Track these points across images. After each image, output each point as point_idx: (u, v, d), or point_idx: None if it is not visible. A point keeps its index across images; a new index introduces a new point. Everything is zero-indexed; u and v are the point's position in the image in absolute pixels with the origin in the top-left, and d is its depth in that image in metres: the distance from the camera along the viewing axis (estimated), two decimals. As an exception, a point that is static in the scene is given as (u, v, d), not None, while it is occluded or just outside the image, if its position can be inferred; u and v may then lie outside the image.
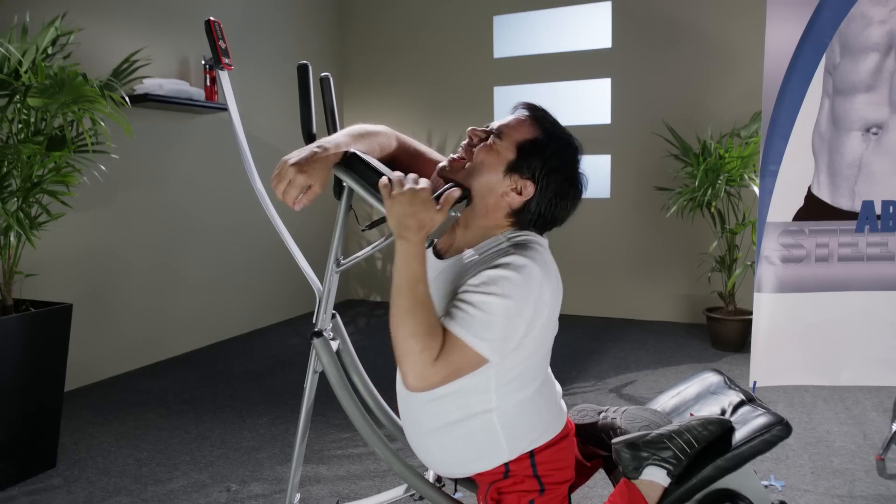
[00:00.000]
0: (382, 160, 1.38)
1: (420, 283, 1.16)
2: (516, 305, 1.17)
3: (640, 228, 4.82)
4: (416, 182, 1.19)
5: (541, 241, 1.29)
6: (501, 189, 1.27)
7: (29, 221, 2.44)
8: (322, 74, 1.49)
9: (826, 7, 2.30)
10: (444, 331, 1.16)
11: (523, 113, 1.31)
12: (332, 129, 1.38)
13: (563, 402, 1.41)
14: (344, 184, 1.34)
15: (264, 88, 4.69)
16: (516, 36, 5.18)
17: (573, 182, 1.31)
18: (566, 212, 1.33)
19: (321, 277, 1.46)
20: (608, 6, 4.81)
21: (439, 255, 1.35)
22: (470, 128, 1.32)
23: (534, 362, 1.29)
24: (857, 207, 2.38)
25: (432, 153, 1.53)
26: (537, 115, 1.31)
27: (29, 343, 2.38)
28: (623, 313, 4.93)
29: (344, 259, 1.42)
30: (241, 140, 1.57)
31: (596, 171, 4.97)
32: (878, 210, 2.35)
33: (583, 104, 4.98)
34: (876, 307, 2.37)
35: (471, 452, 1.30)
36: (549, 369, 1.40)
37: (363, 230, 1.42)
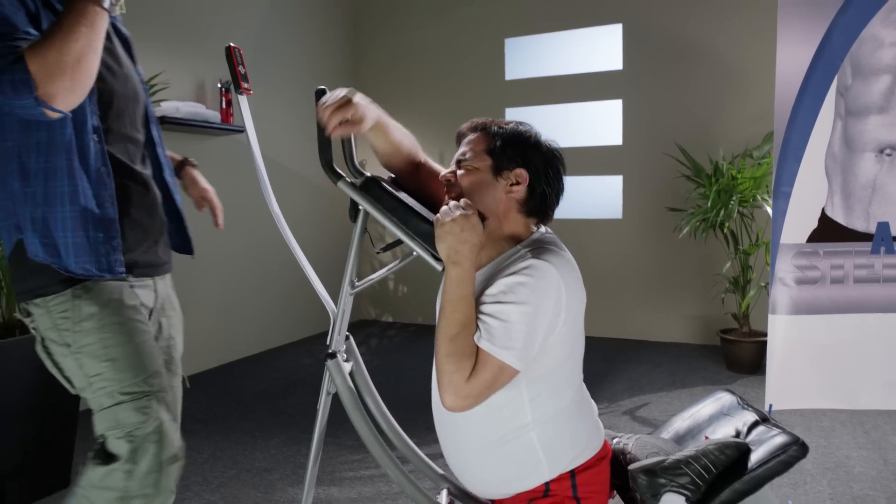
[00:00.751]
0: (403, 168, 1.45)
1: (469, 306, 1.21)
2: (533, 310, 1.19)
3: (653, 249, 4.80)
4: (465, 207, 1.23)
5: (558, 243, 1.34)
6: (502, 190, 1.32)
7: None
8: None
9: (837, 30, 2.31)
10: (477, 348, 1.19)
11: (470, 134, 1.38)
12: (348, 153, 1.40)
13: (600, 422, 1.42)
14: (360, 207, 1.36)
15: (279, 109, 4.75)
16: (528, 58, 5.22)
17: (549, 147, 1.37)
18: (562, 174, 1.38)
19: (335, 299, 1.47)
20: (619, 28, 4.85)
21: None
22: (441, 175, 1.38)
23: (563, 373, 1.31)
24: (872, 229, 2.36)
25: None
26: (479, 125, 1.38)
27: (43, 364, 2.40)
28: (636, 334, 4.90)
29: (358, 281, 1.43)
30: (258, 162, 1.59)
31: (608, 192, 4.97)
32: (893, 231, 2.33)
33: (594, 125, 5.00)
34: (893, 329, 2.34)
35: (511, 472, 1.31)
36: (584, 387, 1.41)
37: (378, 253, 1.43)
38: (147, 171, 1.52)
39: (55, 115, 1.22)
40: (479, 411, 1.24)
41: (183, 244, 1.67)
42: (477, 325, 1.20)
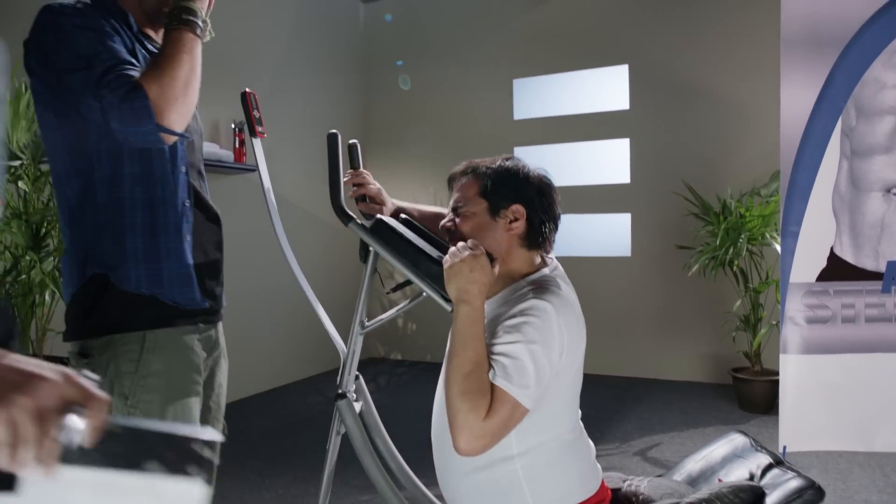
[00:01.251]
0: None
1: (481, 344, 1.21)
2: (541, 349, 1.21)
3: (663, 287, 4.79)
4: (473, 248, 1.25)
5: (558, 281, 1.34)
6: (502, 230, 1.34)
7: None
8: (350, 141, 1.54)
9: (839, 72, 2.35)
10: (492, 387, 1.18)
11: (461, 179, 1.40)
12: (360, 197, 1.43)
13: (598, 464, 1.39)
14: (370, 248, 1.38)
15: (291, 150, 4.83)
16: (535, 98, 5.31)
17: (539, 176, 1.40)
18: (556, 201, 1.41)
19: (345, 338, 1.48)
20: (625, 69, 4.93)
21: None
22: (441, 225, 1.41)
23: (554, 410, 1.29)
24: (882, 268, 2.36)
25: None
26: (468, 168, 1.40)
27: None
28: (647, 373, 4.86)
29: (368, 321, 1.44)
30: (271, 203, 1.63)
31: (616, 230, 4.99)
32: (903, 270, 2.33)
33: (602, 164, 5.04)
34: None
35: (496, 501, 1.28)
36: (581, 425, 1.39)
37: (388, 293, 1.44)
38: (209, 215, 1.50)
39: (172, 140, 1.25)
40: None
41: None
42: (490, 364, 1.20)
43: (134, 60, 1.26)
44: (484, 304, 1.23)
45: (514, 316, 1.23)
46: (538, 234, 1.36)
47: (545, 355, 1.21)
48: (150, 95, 1.18)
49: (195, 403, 1.35)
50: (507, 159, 1.40)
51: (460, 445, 1.15)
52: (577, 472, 1.32)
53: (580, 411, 1.39)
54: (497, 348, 1.21)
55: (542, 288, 1.29)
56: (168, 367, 1.30)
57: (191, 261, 1.35)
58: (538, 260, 1.39)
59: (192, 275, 1.34)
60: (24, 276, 2.47)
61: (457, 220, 1.37)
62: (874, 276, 2.35)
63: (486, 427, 1.14)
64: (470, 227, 1.35)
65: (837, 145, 2.40)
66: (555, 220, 1.39)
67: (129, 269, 1.29)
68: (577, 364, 1.33)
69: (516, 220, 1.34)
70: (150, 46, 1.37)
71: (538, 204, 1.36)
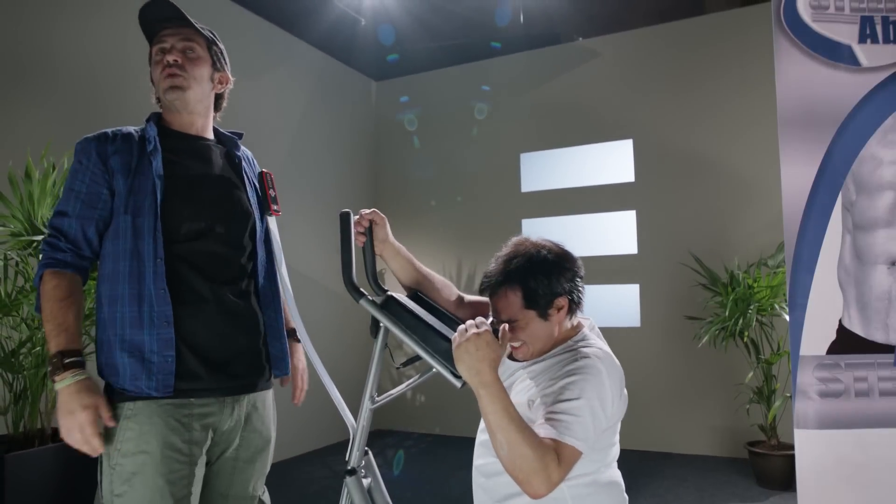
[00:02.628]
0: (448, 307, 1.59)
1: (511, 409, 1.28)
2: (598, 403, 1.34)
3: (673, 357, 4.75)
4: (478, 326, 1.30)
5: (599, 341, 1.52)
6: (554, 322, 1.46)
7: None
8: (356, 218, 1.59)
9: (836, 149, 2.40)
10: (553, 441, 1.28)
11: (498, 294, 1.47)
12: (370, 271, 1.47)
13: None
14: (381, 324, 1.41)
15: (302, 224, 4.93)
16: (542, 171, 5.43)
17: (559, 257, 1.49)
18: (579, 265, 1.53)
19: (354, 412, 1.48)
20: (630, 143, 5.05)
21: (512, 356, 1.52)
22: (496, 325, 1.45)
23: (601, 445, 1.40)
24: (893, 340, 2.34)
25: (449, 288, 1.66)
26: (496, 282, 1.47)
27: (64, 473, 2.40)
28: (660, 446, 4.75)
29: (378, 396, 1.45)
30: (284, 278, 1.67)
31: (625, 301, 4.99)
32: (915, 343, 2.32)
33: (609, 235, 5.11)
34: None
35: None
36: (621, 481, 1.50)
37: (398, 368, 1.46)
38: (237, 287, 1.57)
39: None
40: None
41: (276, 364, 1.67)
42: (550, 423, 1.30)
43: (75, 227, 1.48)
44: (498, 378, 1.29)
45: (569, 375, 1.36)
46: (577, 305, 1.51)
47: (601, 408, 1.34)
48: (42, 282, 1.45)
49: (167, 475, 1.41)
50: (522, 253, 1.49)
51: (537, 491, 1.25)
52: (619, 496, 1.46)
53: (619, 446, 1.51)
54: (560, 406, 1.32)
55: (589, 347, 1.44)
56: (139, 435, 1.41)
57: (150, 348, 1.44)
58: (576, 321, 1.53)
59: (143, 364, 1.43)
60: (38, 349, 2.49)
61: (509, 331, 1.42)
62: (885, 348, 2.33)
63: (558, 475, 1.26)
64: (528, 335, 1.45)
65: (839, 219, 2.43)
66: (583, 285, 1.52)
67: (99, 358, 1.48)
68: (623, 408, 1.48)
69: (562, 308, 1.46)
70: (178, 138, 1.61)
71: (572, 285, 1.48)
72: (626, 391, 1.49)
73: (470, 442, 1.57)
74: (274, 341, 1.65)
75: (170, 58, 1.54)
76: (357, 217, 1.52)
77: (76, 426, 1.36)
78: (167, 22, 1.56)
